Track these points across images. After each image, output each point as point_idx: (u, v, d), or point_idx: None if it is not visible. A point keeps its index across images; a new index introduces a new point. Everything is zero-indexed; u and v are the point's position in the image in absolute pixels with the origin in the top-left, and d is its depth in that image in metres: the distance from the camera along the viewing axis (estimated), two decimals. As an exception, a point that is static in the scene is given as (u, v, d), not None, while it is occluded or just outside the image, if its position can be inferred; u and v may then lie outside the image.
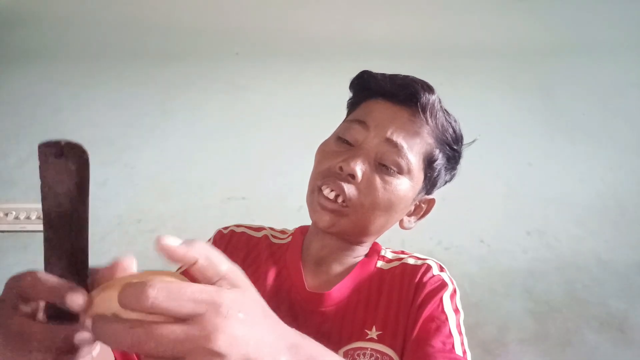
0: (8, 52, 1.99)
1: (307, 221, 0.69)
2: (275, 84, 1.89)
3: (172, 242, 0.31)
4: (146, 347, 0.27)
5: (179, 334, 0.27)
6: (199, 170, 1.59)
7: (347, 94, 0.74)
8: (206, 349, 0.27)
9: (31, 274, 0.33)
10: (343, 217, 0.61)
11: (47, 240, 0.35)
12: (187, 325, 0.28)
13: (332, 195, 0.61)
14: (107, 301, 0.30)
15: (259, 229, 0.75)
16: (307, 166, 0.69)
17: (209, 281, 0.31)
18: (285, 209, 1.42)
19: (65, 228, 0.35)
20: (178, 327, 0.28)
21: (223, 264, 0.32)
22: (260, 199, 1.52)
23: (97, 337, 0.29)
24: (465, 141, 0.71)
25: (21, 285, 0.33)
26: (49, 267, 0.35)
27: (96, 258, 0.36)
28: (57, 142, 0.34)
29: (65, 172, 0.34)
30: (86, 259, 0.35)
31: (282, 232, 0.77)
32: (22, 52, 1.99)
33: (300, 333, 0.36)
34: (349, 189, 0.60)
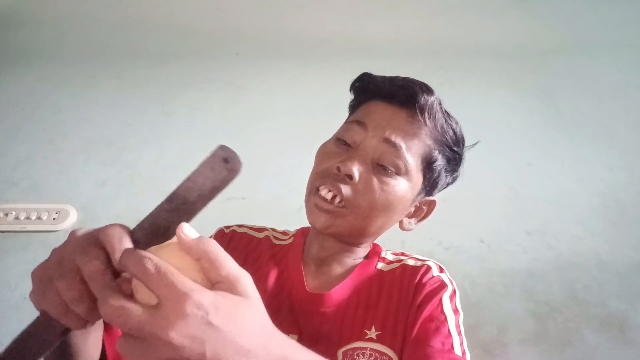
0: (8, 52, 1.99)
1: (308, 222, 0.69)
2: (275, 84, 1.88)
3: (188, 232, 0.33)
4: (117, 321, 0.30)
5: (143, 317, 0.29)
6: (199, 170, 1.58)
7: (347, 94, 0.74)
8: (161, 338, 0.29)
9: (116, 231, 0.36)
10: (339, 218, 0.61)
11: (157, 210, 0.39)
12: (153, 310, 0.29)
13: (329, 196, 0.61)
14: None
15: (260, 229, 0.75)
16: (307, 166, 0.69)
17: (209, 281, 0.32)
18: (285, 209, 1.42)
19: (177, 212, 0.39)
20: (146, 310, 0.30)
21: (224, 268, 0.33)
22: (260, 199, 1.52)
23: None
24: (467, 143, 0.71)
25: (103, 234, 0.35)
26: (139, 228, 0.39)
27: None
28: (231, 151, 0.41)
29: (216, 174, 0.40)
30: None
31: (284, 233, 0.77)
32: (22, 52, 1.99)
33: (300, 347, 0.37)
34: (346, 190, 0.60)
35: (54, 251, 0.37)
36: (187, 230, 0.33)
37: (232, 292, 0.32)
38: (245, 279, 0.34)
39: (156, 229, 0.38)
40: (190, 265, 0.32)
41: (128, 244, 0.35)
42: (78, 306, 0.34)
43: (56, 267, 0.35)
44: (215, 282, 0.32)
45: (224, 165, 0.41)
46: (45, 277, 0.36)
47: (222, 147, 0.41)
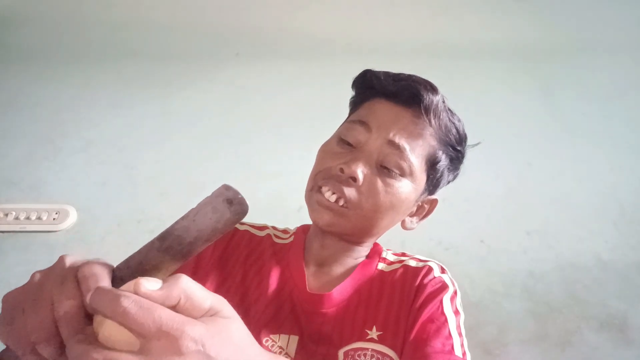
0: (8, 52, 1.99)
1: (307, 221, 0.69)
2: (276, 84, 1.88)
3: (151, 286, 0.30)
4: None
5: None
6: (199, 170, 1.59)
7: (348, 95, 0.74)
8: None
9: (95, 268, 0.33)
10: (342, 217, 0.61)
11: (147, 249, 0.35)
12: (144, 356, 0.27)
13: (332, 198, 0.60)
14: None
15: (262, 227, 0.75)
16: (307, 166, 0.69)
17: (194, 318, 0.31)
18: (285, 209, 1.41)
19: (169, 252, 0.35)
20: (135, 357, 0.27)
21: (206, 300, 0.31)
22: (260, 199, 1.51)
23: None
24: (468, 141, 0.71)
25: (80, 272, 0.33)
26: (124, 266, 0.35)
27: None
28: (236, 192, 0.36)
29: (219, 215, 0.36)
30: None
31: (284, 231, 0.77)
32: (22, 52, 1.99)
33: None
34: (349, 192, 0.60)
35: (34, 275, 0.34)
36: (150, 285, 0.30)
37: (221, 317, 0.31)
38: (224, 301, 0.33)
39: (144, 269, 0.35)
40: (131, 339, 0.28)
41: (105, 284, 0.32)
42: (44, 349, 0.31)
43: (30, 298, 0.32)
44: (200, 316, 0.31)
45: (227, 207, 0.36)
46: (16, 306, 0.33)
47: (226, 187, 0.36)
